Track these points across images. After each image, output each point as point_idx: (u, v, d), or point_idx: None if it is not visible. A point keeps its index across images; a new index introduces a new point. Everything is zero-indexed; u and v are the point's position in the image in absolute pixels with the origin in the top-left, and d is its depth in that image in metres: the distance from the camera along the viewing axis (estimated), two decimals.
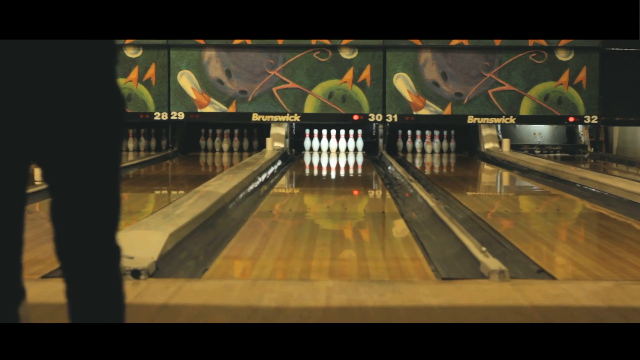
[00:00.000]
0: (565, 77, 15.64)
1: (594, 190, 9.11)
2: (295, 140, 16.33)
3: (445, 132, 16.32)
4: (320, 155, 15.75)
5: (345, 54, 15.59)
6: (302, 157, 15.31)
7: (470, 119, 15.69)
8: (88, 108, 2.55)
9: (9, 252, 2.74)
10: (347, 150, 16.25)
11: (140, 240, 4.13)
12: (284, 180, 11.20)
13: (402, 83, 15.66)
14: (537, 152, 16.02)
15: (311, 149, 16.27)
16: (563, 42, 15.50)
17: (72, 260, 2.58)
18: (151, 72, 15.60)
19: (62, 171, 2.55)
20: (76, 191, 2.54)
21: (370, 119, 15.67)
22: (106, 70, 2.62)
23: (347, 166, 13.73)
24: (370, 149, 16.17)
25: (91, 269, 2.58)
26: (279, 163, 13.27)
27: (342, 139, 16.29)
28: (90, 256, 2.57)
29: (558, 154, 15.93)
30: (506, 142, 15.34)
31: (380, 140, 16.03)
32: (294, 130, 16.37)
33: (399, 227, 6.84)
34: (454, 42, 15.52)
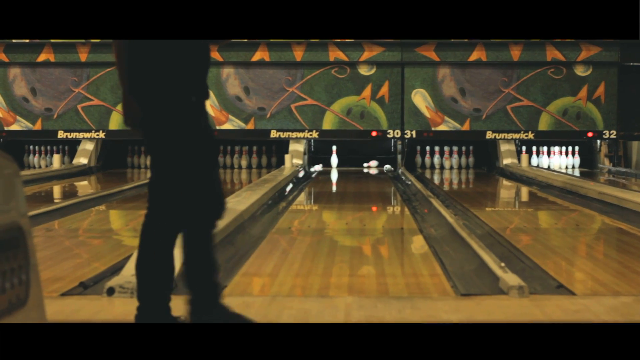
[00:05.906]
0: (583, 92, 15.59)
1: (613, 205, 9.07)
2: (314, 156, 16.34)
3: (463, 148, 16.29)
4: (338, 171, 15.76)
5: (364, 71, 15.61)
6: (320, 173, 15.32)
7: (489, 135, 15.66)
8: None
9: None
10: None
11: None
12: (302, 196, 11.22)
13: (420, 99, 15.65)
14: None
15: (330, 165, 16.29)
16: (581, 57, 15.46)
17: None
18: None
19: None
20: None
21: (388, 135, 15.66)
22: None
23: (366, 182, 13.73)
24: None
25: None
26: (298, 179, 13.28)
27: None
28: None
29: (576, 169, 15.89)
30: (525, 158, 15.30)
31: (399, 157, 16.02)
32: (312, 146, 16.38)
33: (418, 243, 6.84)
34: (472, 57, 15.51)
